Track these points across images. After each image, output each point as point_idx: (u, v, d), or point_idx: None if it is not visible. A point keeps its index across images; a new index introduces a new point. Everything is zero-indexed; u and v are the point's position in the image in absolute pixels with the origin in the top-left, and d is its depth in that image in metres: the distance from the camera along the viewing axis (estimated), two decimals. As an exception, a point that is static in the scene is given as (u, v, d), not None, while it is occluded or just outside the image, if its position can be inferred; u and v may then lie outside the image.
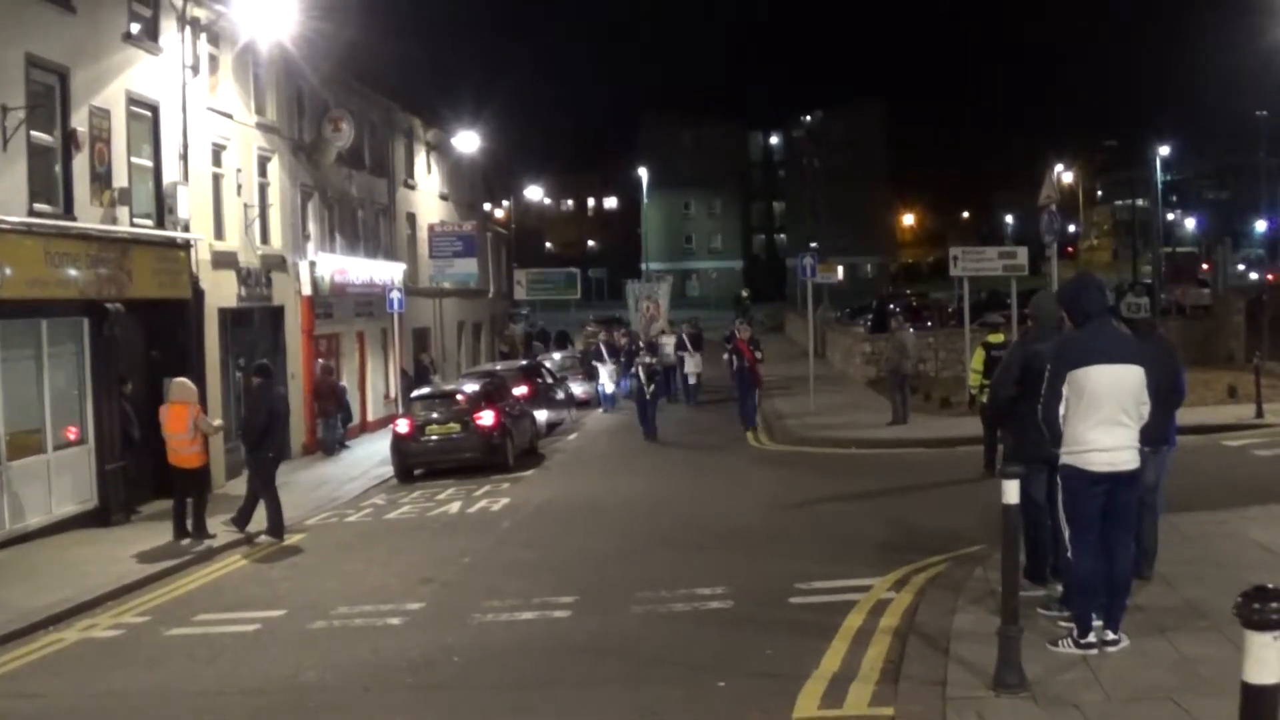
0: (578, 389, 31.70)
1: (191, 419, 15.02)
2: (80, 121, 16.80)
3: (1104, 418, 6.96)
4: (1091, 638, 7.04)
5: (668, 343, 30.41)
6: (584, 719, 7.44)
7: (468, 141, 37.95)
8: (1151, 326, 9.93)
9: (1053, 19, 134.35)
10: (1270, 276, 37.47)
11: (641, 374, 24.08)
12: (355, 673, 8.83)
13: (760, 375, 24.53)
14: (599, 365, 31.34)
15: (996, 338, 16.32)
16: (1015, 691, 6.47)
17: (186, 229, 19.55)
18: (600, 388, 31.42)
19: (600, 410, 30.72)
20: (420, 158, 36.16)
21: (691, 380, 30.03)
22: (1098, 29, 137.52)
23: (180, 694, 8.73)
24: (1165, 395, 7.72)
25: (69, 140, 16.54)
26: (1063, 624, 7.41)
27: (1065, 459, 7.12)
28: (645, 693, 7.73)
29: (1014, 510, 6.77)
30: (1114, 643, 7.06)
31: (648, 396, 23.87)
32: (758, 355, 24.11)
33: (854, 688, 7.33)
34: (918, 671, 7.22)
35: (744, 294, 79.96)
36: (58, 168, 16.51)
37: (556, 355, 37.75)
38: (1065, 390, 7.07)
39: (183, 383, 15.60)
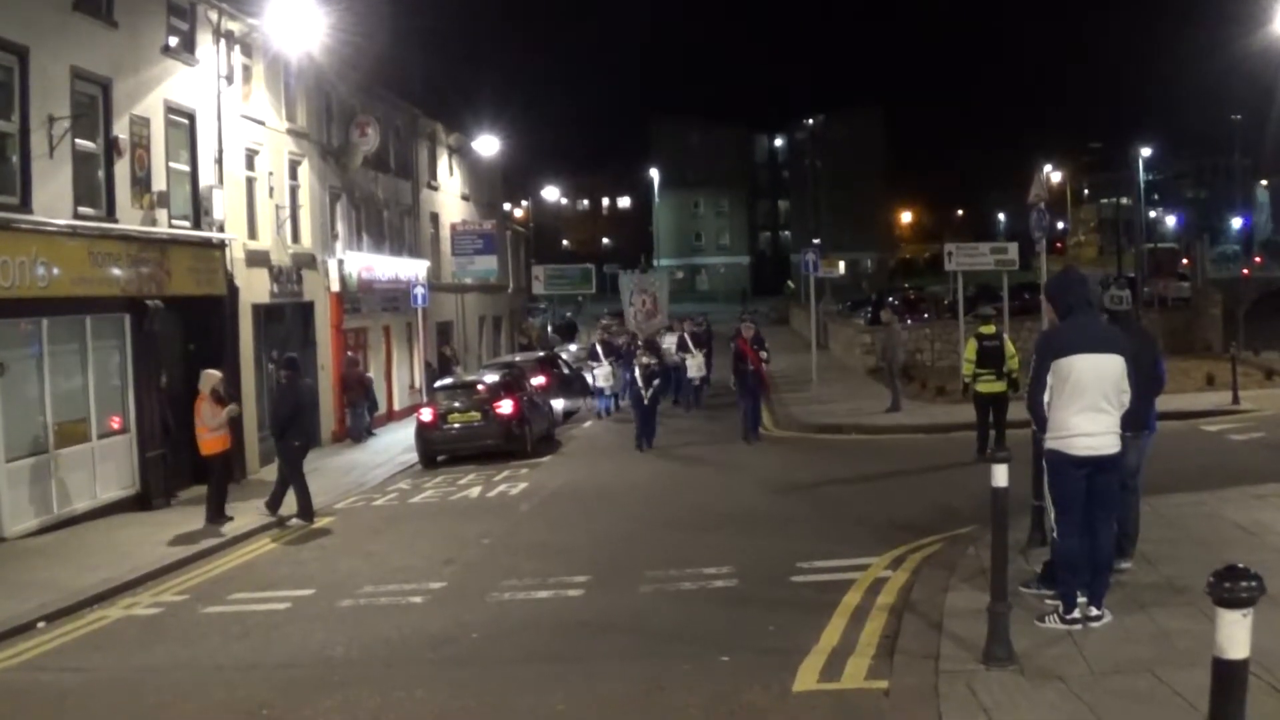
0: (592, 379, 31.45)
1: (206, 406, 15.05)
2: (122, 129, 16.87)
3: (1086, 405, 6.93)
4: (1076, 614, 7.02)
5: (669, 341, 26.73)
6: (594, 691, 7.41)
7: (487, 145, 37.93)
8: (1133, 318, 9.86)
9: (1041, 29, 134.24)
10: (1245, 272, 37.30)
11: (639, 377, 20.60)
12: (379, 648, 8.84)
13: (768, 380, 21.50)
14: (594, 365, 26.58)
15: (988, 329, 16.19)
16: (1004, 665, 6.46)
17: (222, 229, 19.62)
18: (596, 392, 26.84)
19: (597, 414, 26.61)
20: (443, 160, 36.16)
21: (695, 383, 25.77)
22: (1084, 38, 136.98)
23: (215, 667, 8.75)
24: (1145, 383, 7.67)
25: (111, 147, 16.61)
26: (1048, 600, 7.38)
27: (1050, 444, 7.11)
28: (653, 666, 7.71)
29: (1002, 493, 6.72)
30: (1097, 618, 7.03)
31: (645, 402, 20.31)
32: (763, 355, 19.96)
33: (852, 661, 7.31)
34: (912, 646, 7.21)
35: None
36: (100, 173, 16.56)
37: (573, 346, 37.63)
38: (1050, 379, 7.05)
39: (205, 373, 15.62)
